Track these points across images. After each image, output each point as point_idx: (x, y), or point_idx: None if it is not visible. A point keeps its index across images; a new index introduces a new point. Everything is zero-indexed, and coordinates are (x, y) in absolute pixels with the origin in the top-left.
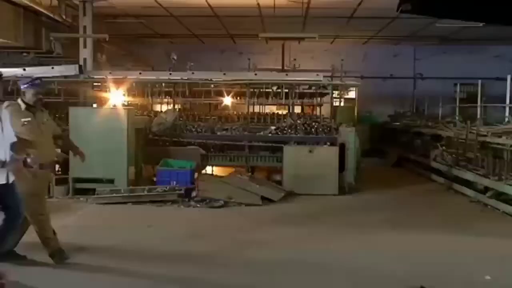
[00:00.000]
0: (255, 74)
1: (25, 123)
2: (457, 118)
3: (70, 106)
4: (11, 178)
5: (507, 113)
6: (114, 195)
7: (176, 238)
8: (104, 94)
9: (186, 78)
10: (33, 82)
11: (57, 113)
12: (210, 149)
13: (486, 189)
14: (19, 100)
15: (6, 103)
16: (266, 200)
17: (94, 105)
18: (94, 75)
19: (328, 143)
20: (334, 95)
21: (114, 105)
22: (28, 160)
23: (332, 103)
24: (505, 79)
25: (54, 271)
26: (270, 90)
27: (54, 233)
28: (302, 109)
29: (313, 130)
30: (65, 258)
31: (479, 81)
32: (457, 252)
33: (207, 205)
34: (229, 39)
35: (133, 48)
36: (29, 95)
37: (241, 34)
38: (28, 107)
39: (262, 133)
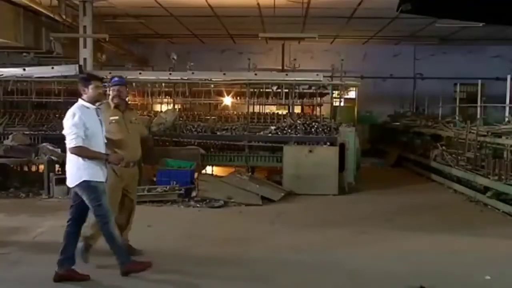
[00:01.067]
0: (255, 74)
1: (113, 121)
2: (457, 118)
3: (70, 106)
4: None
5: (507, 113)
6: None
7: (176, 238)
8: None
9: (186, 78)
10: (115, 81)
11: (57, 113)
12: (210, 149)
13: (486, 189)
14: (109, 99)
15: (98, 103)
16: (266, 200)
17: None
18: None
19: (328, 143)
20: (334, 95)
21: None
22: (111, 158)
23: (332, 103)
24: (505, 79)
25: (52, 271)
26: (270, 90)
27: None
28: (302, 109)
29: (313, 130)
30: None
31: (479, 81)
32: (457, 252)
33: (207, 205)
34: (229, 39)
35: (133, 48)
36: (111, 94)
37: (241, 34)
38: (117, 106)
39: (262, 133)
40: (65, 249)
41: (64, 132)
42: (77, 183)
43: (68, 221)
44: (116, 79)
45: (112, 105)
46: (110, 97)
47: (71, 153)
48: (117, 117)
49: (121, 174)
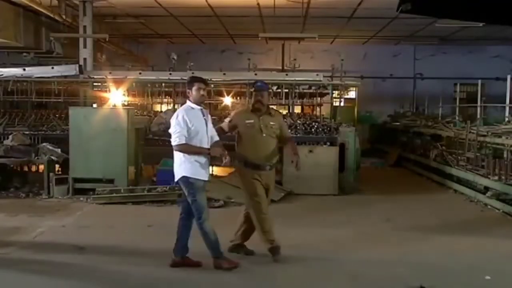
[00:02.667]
0: (255, 74)
1: (248, 125)
2: (457, 118)
3: (70, 106)
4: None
5: (507, 113)
6: (114, 195)
7: (176, 238)
8: (104, 94)
9: (186, 78)
10: (257, 85)
11: (57, 113)
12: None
13: (486, 189)
14: (250, 103)
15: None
16: None
17: (94, 105)
18: (94, 75)
19: (328, 143)
20: (334, 95)
21: (114, 105)
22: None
23: (332, 103)
24: (505, 79)
25: (52, 271)
26: (270, 90)
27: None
28: (302, 109)
29: (313, 130)
30: (277, 260)
31: (479, 81)
32: (457, 252)
33: None
34: (229, 39)
35: (133, 48)
36: (253, 98)
37: (241, 34)
38: (254, 110)
39: None
40: (180, 239)
41: (169, 131)
42: (178, 178)
43: (180, 215)
44: (259, 84)
45: (250, 109)
46: (252, 101)
47: (175, 150)
48: (252, 121)
49: (258, 177)
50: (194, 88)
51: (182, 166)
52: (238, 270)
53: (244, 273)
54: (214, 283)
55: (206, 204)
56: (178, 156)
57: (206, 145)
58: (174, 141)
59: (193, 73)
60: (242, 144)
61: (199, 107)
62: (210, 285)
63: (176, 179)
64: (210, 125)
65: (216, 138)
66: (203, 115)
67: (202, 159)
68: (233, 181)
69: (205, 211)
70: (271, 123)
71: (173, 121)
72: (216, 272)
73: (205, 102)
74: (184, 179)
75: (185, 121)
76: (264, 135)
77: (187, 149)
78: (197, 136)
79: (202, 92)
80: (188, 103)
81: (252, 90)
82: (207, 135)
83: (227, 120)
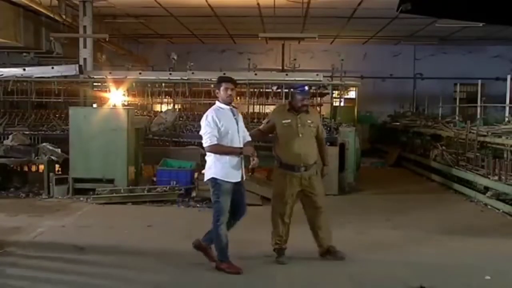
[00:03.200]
0: (255, 74)
1: (285, 125)
2: (457, 118)
3: (70, 106)
4: (243, 176)
5: (507, 113)
6: (114, 195)
7: (175, 238)
8: (104, 94)
9: (186, 78)
10: (302, 89)
11: (57, 113)
12: None
13: (486, 189)
14: (286, 102)
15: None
16: (266, 200)
17: (94, 105)
18: (94, 75)
19: (328, 143)
20: (334, 95)
21: (114, 105)
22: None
23: (332, 103)
24: (505, 79)
25: (52, 271)
26: (270, 90)
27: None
28: None
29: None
30: (280, 261)
31: (479, 81)
32: (457, 252)
33: (207, 205)
34: (229, 39)
35: (133, 48)
36: (295, 100)
37: (241, 34)
38: (291, 109)
39: None
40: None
41: (200, 133)
42: (207, 179)
43: None
44: (306, 88)
45: (287, 108)
46: (298, 104)
47: (206, 151)
48: (289, 121)
49: (291, 178)
50: (222, 88)
51: (212, 167)
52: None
53: (244, 273)
54: (214, 283)
55: (227, 208)
56: (209, 158)
57: (237, 144)
58: (206, 142)
59: (193, 73)
60: (279, 144)
61: (228, 107)
62: (210, 285)
63: (205, 180)
64: (241, 124)
65: (248, 138)
66: (233, 115)
67: (234, 160)
68: None
69: (224, 215)
70: (309, 121)
71: (203, 122)
72: (216, 272)
73: (205, 102)
74: (212, 180)
75: (215, 122)
76: (300, 135)
77: (219, 149)
78: (227, 136)
79: (229, 92)
80: (217, 103)
81: (295, 92)
82: (238, 135)
83: (265, 121)
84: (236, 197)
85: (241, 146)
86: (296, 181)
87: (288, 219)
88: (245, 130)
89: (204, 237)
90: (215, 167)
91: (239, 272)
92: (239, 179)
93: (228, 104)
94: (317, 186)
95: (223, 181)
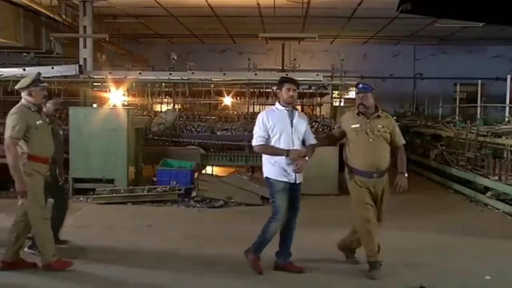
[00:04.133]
0: (255, 74)
1: (353, 129)
2: (457, 118)
3: (70, 106)
4: (298, 179)
5: (507, 113)
6: (114, 195)
7: (175, 238)
8: (104, 94)
9: (186, 78)
10: (358, 87)
11: (57, 113)
12: (210, 149)
13: (486, 189)
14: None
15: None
16: (266, 200)
17: (94, 105)
18: (94, 75)
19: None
20: (334, 95)
21: (114, 105)
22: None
23: (332, 103)
24: (505, 79)
25: (52, 271)
26: (270, 90)
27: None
28: (302, 109)
29: (313, 130)
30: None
31: (479, 81)
32: (457, 252)
33: (207, 205)
34: (229, 39)
35: (133, 48)
36: (356, 101)
37: (241, 34)
38: (359, 113)
39: None
40: (284, 242)
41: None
42: (263, 178)
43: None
44: (361, 85)
45: (356, 112)
46: (356, 104)
47: (254, 150)
48: (358, 125)
49: (362, 182)
50: (284, 89)
51: (264, 166)
52: (239, 272)
53: (244, 274)
54: (214, 283)
55: (284, 207)
56: (263, 157)
57: (287, 146)
58: (253, 141)
59: (193, 73)
60: (349, 149)
61: (284, 109)
62: (210, 285)
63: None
64: (301, 126)
65: (312, 141)
66: (290, 117)
67: (283, 161)
68: (233, 181)
69: (280, 214)
70: (379, 126)
71: (256, 122)
72: (216, 273)
73: (205, 102)
74: (266, 179)
75: (264, 123)
76: (370, 140)
77: (264, 150)
78: (276, 136)
79: (291, 92)
80: (276, 104)
81: (356, 93)
82: (292, 136)
83: (336, 126)
84: (290, 200)
85: (296, 148)
86: (370, 188)
87: (373, 225)
88: (309, 132)
89: (277, 255)
90: (267, 166)
91: (260, 272)
92: (293, 181)
93: (288, 104)
94: (386, 193)
95: (275, 180)
